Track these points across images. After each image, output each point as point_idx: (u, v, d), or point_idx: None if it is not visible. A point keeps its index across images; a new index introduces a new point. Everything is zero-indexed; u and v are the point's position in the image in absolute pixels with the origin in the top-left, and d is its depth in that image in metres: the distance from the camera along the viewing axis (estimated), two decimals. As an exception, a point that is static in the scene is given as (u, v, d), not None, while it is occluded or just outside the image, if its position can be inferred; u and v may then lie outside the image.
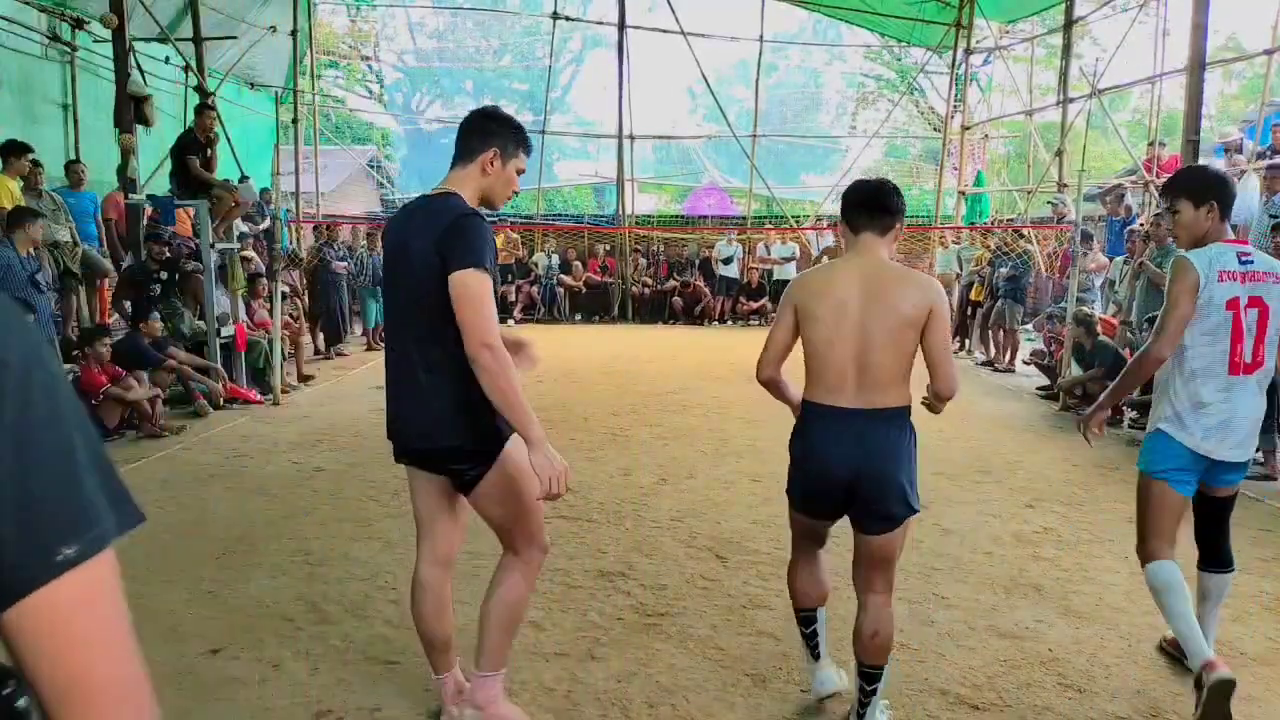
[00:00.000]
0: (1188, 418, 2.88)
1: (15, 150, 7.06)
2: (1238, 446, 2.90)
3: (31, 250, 6.40)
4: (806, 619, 2.81)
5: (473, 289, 2.24)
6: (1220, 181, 3.01)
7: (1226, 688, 2.62)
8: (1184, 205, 2.94)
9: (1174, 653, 3.19)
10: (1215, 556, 3.14)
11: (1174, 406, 2.92)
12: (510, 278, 15.64)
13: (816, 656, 2.83)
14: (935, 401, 2.69)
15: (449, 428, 2.40)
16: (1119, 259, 9.13)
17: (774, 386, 2.74)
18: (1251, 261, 2.85)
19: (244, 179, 9.09)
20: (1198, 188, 2.95)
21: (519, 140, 2.53)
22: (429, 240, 2.31)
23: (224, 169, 8.81)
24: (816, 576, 2.78)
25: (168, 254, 7.90)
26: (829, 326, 2.49)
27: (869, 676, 2.61)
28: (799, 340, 2.61)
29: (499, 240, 15.50)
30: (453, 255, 2.26)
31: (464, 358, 2.25)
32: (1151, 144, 11.53)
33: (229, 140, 10.05)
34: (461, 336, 2.24)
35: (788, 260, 15.28)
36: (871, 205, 2.57)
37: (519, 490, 2.48)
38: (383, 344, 11.64)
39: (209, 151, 8.20)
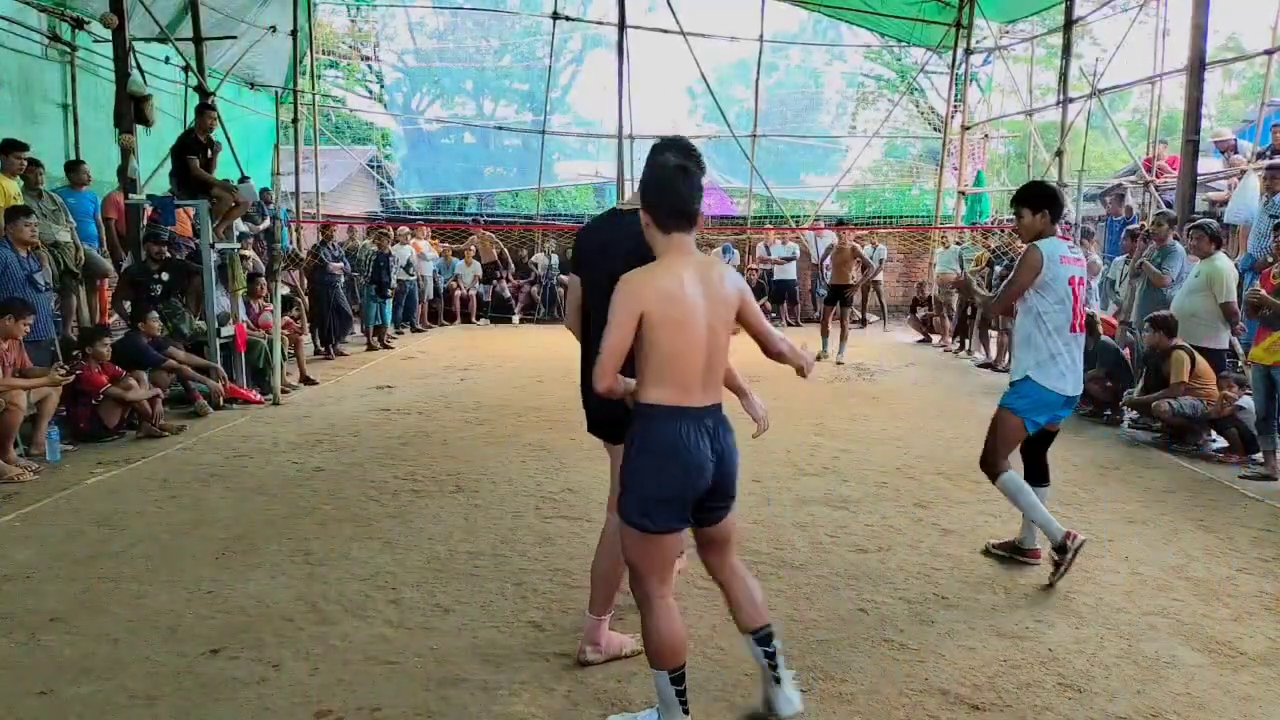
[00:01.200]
0: (1047, 364, 3.83)
1: (11, 148, 7.02)
2: (1076, 386, 3.91)
3: (29, 249, 6.38)
4: (680, 676, 2.57)
5: None
6: (1052, 195, 3.95)
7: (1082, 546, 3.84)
8: (1025, 211, 3.93)
9: (1000, 553, 4.12)
10: (1040, 476, 4.15)
11: (1036, 357, 3.85)
12: (502, 276, 15.63)
13: (688, 711, 2.61)
14: (799, 364, 2.87)
15: None
16: (1119, 259, 9.13)
17: (613, 395, 2.56)
18: (1076, 249, 3.94)
19: (244, 179, 9.09)
20: (1035, 199, 3.92)
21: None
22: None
23: (224, 169, 8.81)
24: (680, 622, 2.59)
25: (167, 254, 7.89)
26: (684, 330, 2.46)
27: (765, 639, 2.69)
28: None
29: (477, 241, 15.43)
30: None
31: None
32: (1151, 144, 11.54)
33: (229, 140, 10.05)
34: None
35: (788, 260, 15.26)
36: (680, 212, 2.53)
37: None
38: (382, 345, 11.70)
39: (209, 152, 8.19)
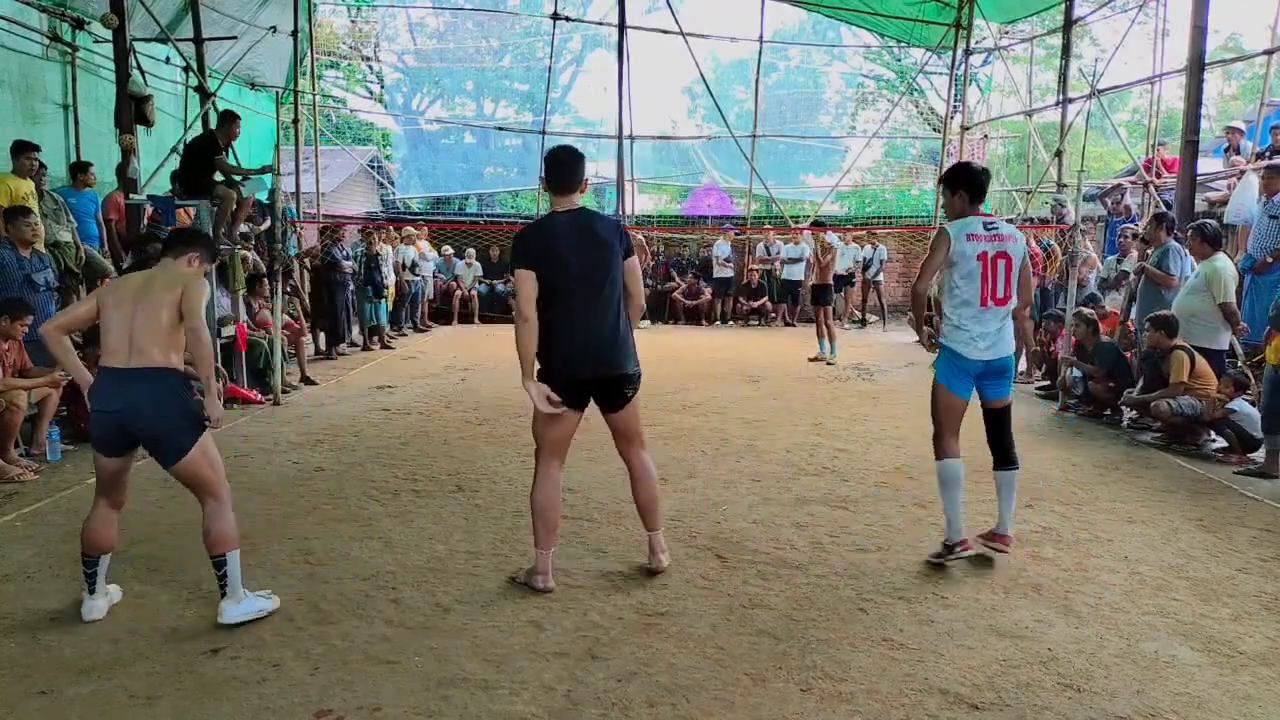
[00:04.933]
0: (953, 333, 4.03)
1: (23, 149, 7.03)
2: (990, 353, 4.00)
3: (30, 249, 6.36)
4: (91, 563, 3.45)
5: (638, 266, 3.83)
6: (967, 175, 4.11)
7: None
8: (945, 191, 4.18)
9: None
10: (1005, 459, 4.21)
11: (946, 325, 4.06)
12: (507, 278, 15.63)
13: (93, 591, 3.46)
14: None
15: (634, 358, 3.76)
16: (1110, 258, 9.15)
17: (58, 344, 3.53)
18: (995, 227, 4.00)
19: (265, 169, 9.06)
20: (950, 179, 4.15)
21: None
22: (615, 236, 3.66)
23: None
24: (101, 525, 3.46)
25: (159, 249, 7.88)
26: (110, 312, 3.39)
27: (219, 563, 3.41)
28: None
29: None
30: (628, 247, 3.73)
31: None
32: (1151, 144, 11.55)
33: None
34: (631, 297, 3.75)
35: (795, 261, 15.23)
36: (168, 242, 3.71)
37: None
38: (381, 345, 11.70)
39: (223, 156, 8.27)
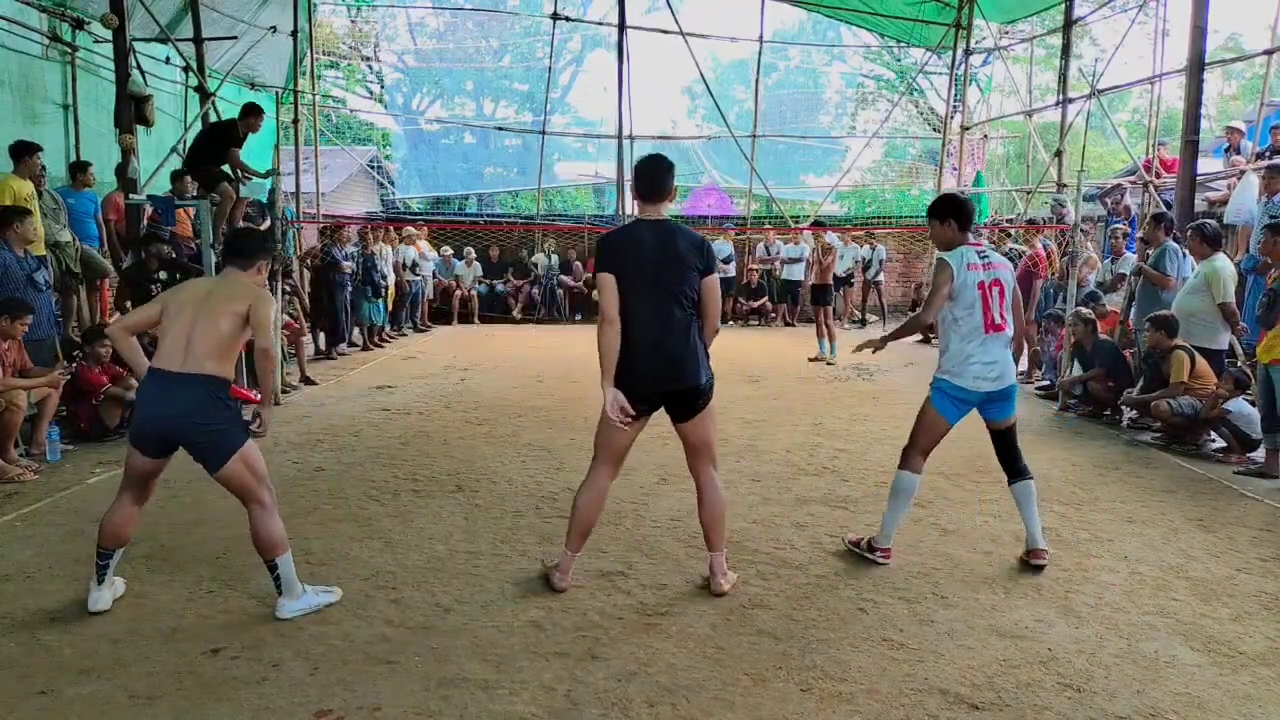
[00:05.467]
0: (960, 367, 3.97)
1: (29, 151, 7.04)
2: (996, 383, 3.96)
3: (28, 249, 6.36)
4: (105, 555, 3.50)
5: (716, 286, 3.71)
6: (958, 205, 4.15)
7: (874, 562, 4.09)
8: (933, 222, 4.15)
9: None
10: (1015, 471, 4.13)
11: (951, 360, 4.01)
12: (507, 278, 15.64)
13: (101, 582, 3.51)
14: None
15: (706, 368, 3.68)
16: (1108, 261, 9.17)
17: (125, 342, 3.61)
18: (987, 255, 4.04)
19: (270, 172, 9.09)
20: (940, 209, 4.13)
21: None
22: (696, 253, 3.58)
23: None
24: (120, 519, 3.50)
25: (168, 253, 7.88)
26: (172, 318, 3.43)
27: (270, 567, 3.47)
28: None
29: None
30: (709, 265, 3.63)
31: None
32: (1151, 144, 11.55)
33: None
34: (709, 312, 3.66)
35: (795, 261, 15.23)
36: (226, 249, 3.83)
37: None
38: (378, 345, 11.71)
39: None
